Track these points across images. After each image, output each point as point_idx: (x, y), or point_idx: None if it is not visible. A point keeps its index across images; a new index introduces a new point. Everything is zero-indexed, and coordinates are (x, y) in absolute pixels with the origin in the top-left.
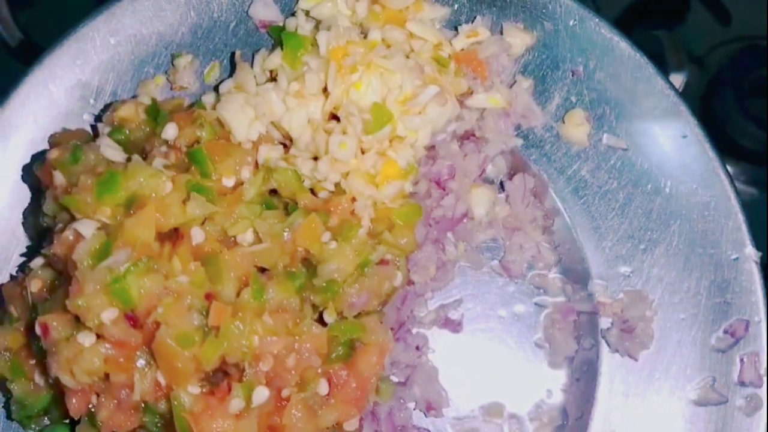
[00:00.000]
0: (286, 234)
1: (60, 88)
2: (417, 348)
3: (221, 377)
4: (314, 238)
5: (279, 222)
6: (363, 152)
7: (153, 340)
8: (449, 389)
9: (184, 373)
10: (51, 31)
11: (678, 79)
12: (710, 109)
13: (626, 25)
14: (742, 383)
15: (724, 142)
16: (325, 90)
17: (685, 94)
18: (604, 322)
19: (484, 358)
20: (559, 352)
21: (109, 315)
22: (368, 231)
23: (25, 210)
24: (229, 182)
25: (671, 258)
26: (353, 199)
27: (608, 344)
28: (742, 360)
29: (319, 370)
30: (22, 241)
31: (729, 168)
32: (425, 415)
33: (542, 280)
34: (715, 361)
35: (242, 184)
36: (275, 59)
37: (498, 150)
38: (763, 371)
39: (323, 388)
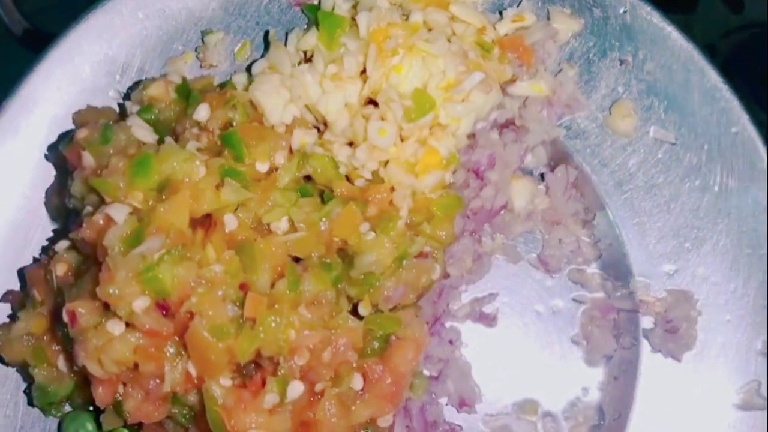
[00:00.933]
0: (323, 224)
1: (85, 63)
2: (450, 342)
3: (253, 369)
4: (352, 229)
5: (315, 211)
6: (402, 140)
7: (185, 331)
8: (482, 385)
9: (217, 366)
10: (57, 18)
11: None
12: None
13: None
14: None
15: None
16: (362, 73)
17: None
18: (645, 321)
19: (519, 354)
20: (596, 349)
21: (140, 304)
22: (406, 222)
23: (48, 189)
24: (263, 167)
25: (718, 257)
26: (392, 189)
27: (650, 344)
28: None
29: (354, 365)
30: (44, 222)
31: None
32: (457, 411)
33: (581, 276)
34: (761, 365)
35: (276, 169)
36: (311, 39)
37: (539, 140)
38: None
39: (358, 383)
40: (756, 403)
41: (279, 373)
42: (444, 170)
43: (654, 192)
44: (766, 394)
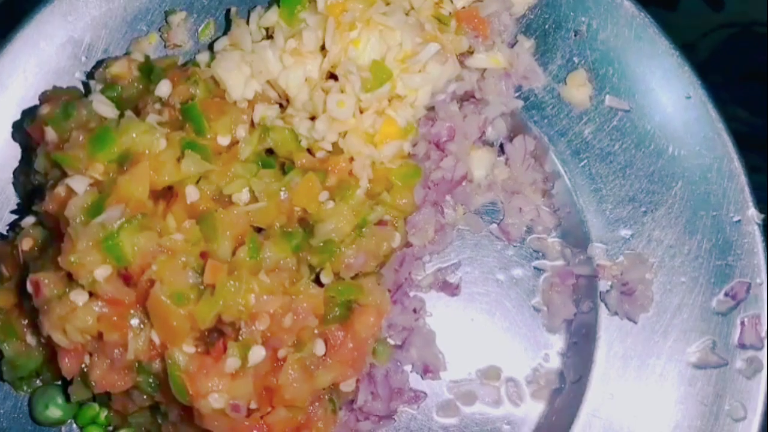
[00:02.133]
0: (282, 193)
1: (51, 46)
2: (414, 311)
3: (216, 337)
4: (312, 198)
5: (275, 181)
6: (361, 111)
7: (147, 299)
8: (446, 352)
9: (179, 332)
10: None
11: None
12: None
13: None
14: (742, 346)
15: None
16: (322, 48)
17: None
18: (603, 285)
19: (482, 322)
20: (557, 315)
21: (102, 272)
22: (366, 191)
23: (16, 169)
24: (224, 141)
25: (672, 220)
26: (351, 159)
27: (607, 307)
28: (742, 322)
29: (316, 331)
30: (12, 201)
31: None
32: (422, 378)
33: (541, 244)
34: (716, 324)
35: (238, 143)
36: (272, 16)
37: (498, 112)
38: (763, 333)
39: (320, 348)
40: (711, 360)
41: (240, 339)
42: (402, 140)
43: (610, 159)
44: (721, 352)
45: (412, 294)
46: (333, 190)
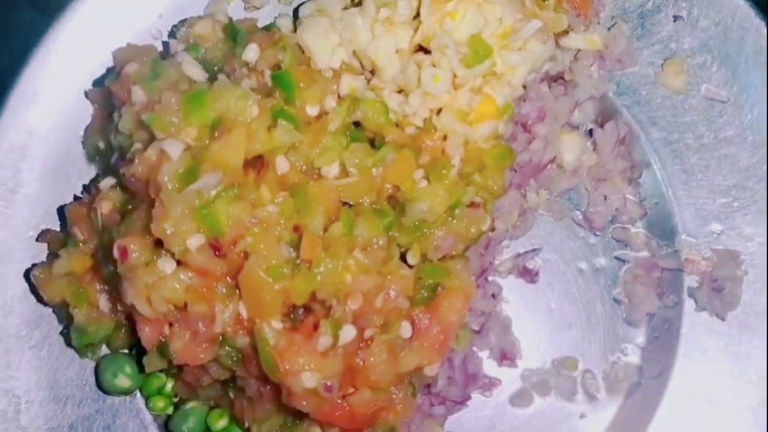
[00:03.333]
0: (375, 169)
1: (123, 1)
2: (493, 296)
3: (303, 313)
4: (407, 176)
5: (368, 156)
6: (456, 88)
7: (237, 272)
8: (522, 340)
9: (271, 307)
10: None
11: None
12: None
13: None
14: None
15: None
16: (415, 18)
17: None
18: (689, 280)
19: (560, 311)
20: (639, 308)
21: (195, 242)
22: (458, 172)
23: (87, 128)
24: (313, 111)
25: (766, 217)
26: (444, 137)
27: (696, 303)
28: None
29: (403, 313)
30: (81, 163)
31: None
32: (498, 365)
33: (625, 234)
34: None
35: (326, 113)
36: None
37: (588, 95)
38: None
39: (406, 331)
40: None
41: (331, 317)
42: (498, 120)
43: (703, 151)
44: None
45: (490, 279)
46: (426, 169)
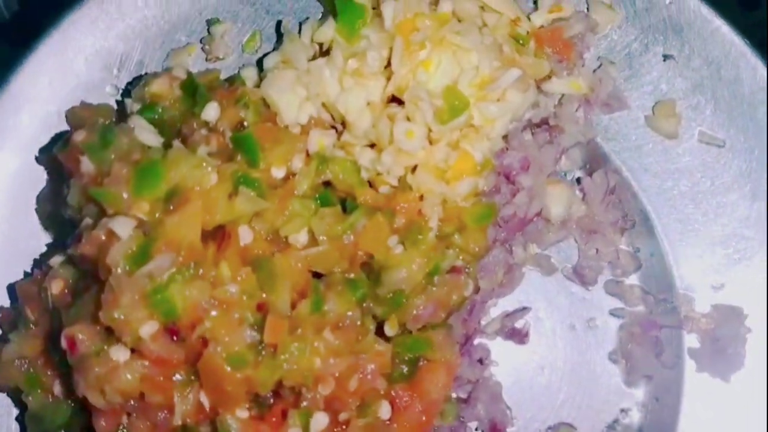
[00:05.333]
0: (346, 237)
1: (79, 56)
2: (480, 362)
3: (270, 398)
4: (380, 242)
5: (338, 222)
6: (431, 143)
7: (197, 357)
8: (514, 407)
9: (234, 397)
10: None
11: None
12: None
13: None
14: None
15: None
16: (385, 68)
17: None
18: (690, 339)
19: (553, 373)
20: (637, 369)
21: (148, 329)
22: (436, 234)
23: (40, 195)
24: (279, 173)
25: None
26: (420, 197)
27: (698, 364)
28: None
29: (382, 392)
30: (35, 231)
31: None
32: None
33: (619, 288)
34: None
35: (293, 175)
36: (328, 31)
37: (574, 141)
38: None
39: (385, 411)
40: None
41: (301, 405)
42: (478, 176)
43: (700, 199)
44: None
45: (476, 342)
46: (401, 233)
